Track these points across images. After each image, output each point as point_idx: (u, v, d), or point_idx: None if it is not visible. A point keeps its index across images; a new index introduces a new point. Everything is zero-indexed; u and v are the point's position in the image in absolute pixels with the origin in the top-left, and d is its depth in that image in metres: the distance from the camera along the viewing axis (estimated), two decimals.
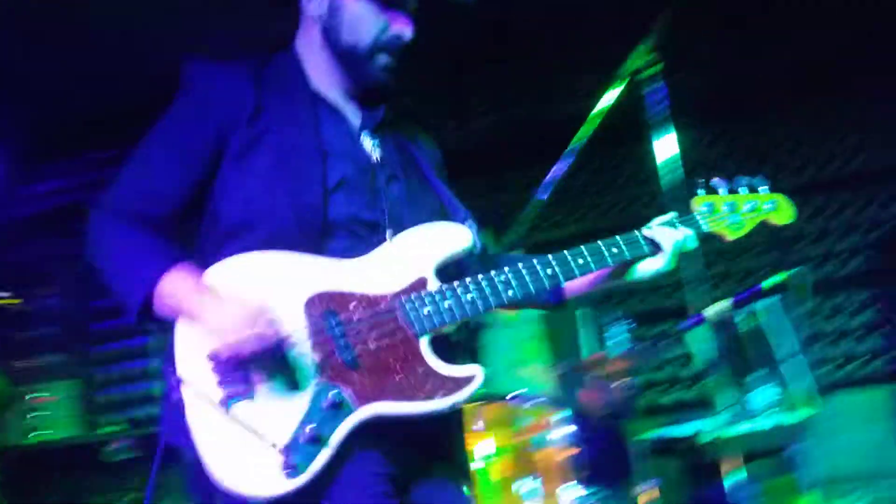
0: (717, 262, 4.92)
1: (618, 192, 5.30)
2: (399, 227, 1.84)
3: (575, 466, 2.92)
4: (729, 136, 5.15)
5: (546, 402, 3.00)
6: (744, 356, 3.50)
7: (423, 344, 1.73)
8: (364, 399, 1.66)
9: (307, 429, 1.62)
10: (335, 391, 1.65)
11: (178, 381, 1.66)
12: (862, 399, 4.77)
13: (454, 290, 1.77)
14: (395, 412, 1.67)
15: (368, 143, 1.93)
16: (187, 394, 1.65)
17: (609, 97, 3.03)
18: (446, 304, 1.76)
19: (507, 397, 2.93)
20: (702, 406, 4.68)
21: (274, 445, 1.61)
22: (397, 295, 1.75)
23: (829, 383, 4.68)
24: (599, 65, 4.74)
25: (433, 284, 1.77)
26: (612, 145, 5.07)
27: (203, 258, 1.78)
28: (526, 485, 2.81)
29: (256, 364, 1.65)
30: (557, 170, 3.09)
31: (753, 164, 5.05)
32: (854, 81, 4.80)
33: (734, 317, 3.18)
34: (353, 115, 1.95)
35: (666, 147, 3.01)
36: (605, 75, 3.12)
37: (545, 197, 3.07)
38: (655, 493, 3.03)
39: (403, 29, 1.90)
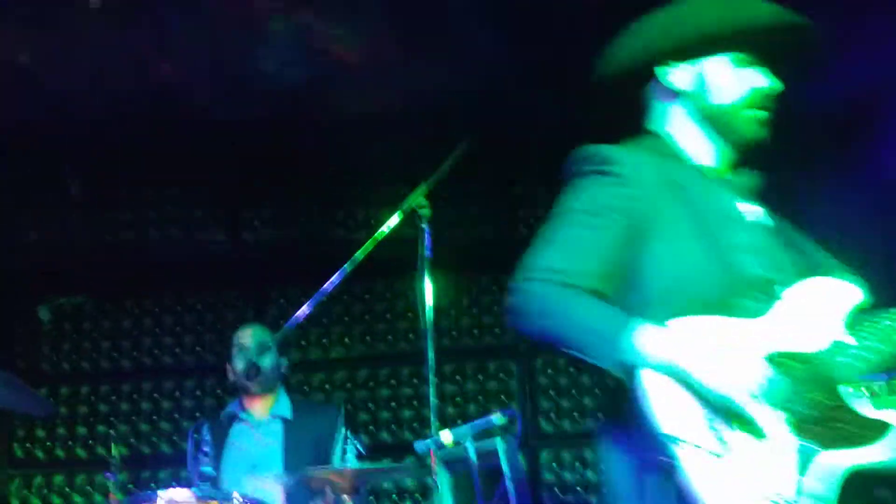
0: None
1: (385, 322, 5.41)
2: (787, 284, 1.90)
3: None
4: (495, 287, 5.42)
5: None
6: (473, 490, 3.58)
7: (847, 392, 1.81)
8: (830, 451, 1.71)
9: (806, 481, 1.67)
10: (811, 444, 1.69)
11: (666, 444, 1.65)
12: None
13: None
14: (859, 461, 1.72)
15: (750, 206, 2.03)
16: (684, 452, 1.65)
17: (387, 225, 3.19)
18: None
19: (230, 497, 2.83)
20: None
21: (778, 496, 1.65)
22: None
23: None
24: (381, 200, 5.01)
25: (850, 338, 1.83)
26: (388, 275, 5.26)
27: None
28: None
29: (736, 415, 1.69)
30: (323, 290, 3.18)
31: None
32: None
33: (468, 448, 3.25)
34: (734, 181, 2.05)
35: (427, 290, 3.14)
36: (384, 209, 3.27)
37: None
38: None
39: (762, 81, 2.01)
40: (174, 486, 2.81)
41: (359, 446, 3.17)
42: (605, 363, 1.74)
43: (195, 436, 3.74)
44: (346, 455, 3.13)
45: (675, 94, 2.06)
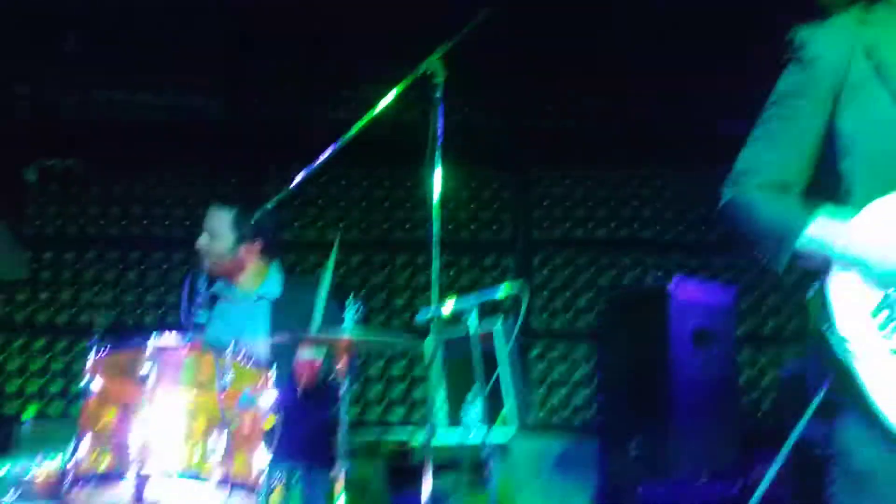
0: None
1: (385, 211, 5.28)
2: None
3: (272, 435, 2.77)
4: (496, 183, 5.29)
5: (260, 364, 2.83)
6: (467, 368, 3.52)
7: None
8: None
9: None
10: None
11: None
12: (561, 444, 4.97)
13: None
14: None
15: None
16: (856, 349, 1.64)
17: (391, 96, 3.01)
18: None
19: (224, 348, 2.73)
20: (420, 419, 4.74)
21: None
22: None
23: (536, 425, 4.84)
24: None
25: None
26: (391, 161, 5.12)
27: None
28: (218, 442, 2.61)
29: None
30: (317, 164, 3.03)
31: (511, 215, 5.24)
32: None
33: (468, 323, 3.17)
34: None
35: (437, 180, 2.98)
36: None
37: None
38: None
39: None
40: (165, 332, 2.68)
41: (360, 310, 3.05)
42: (781, 264, 1.79)
43: (191, 282, 3.62)
44: (346, 317, 3.01)
45: None
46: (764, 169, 1.89)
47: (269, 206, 3.10)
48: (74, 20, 4.81)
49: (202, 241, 3.67)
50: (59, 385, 5.12)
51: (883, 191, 1.75)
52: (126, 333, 5.11)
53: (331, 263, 3.36)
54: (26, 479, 3.12)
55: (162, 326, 4.98)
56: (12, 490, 3.05)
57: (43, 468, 3.13)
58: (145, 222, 5.27)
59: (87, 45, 4.89)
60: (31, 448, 3.78)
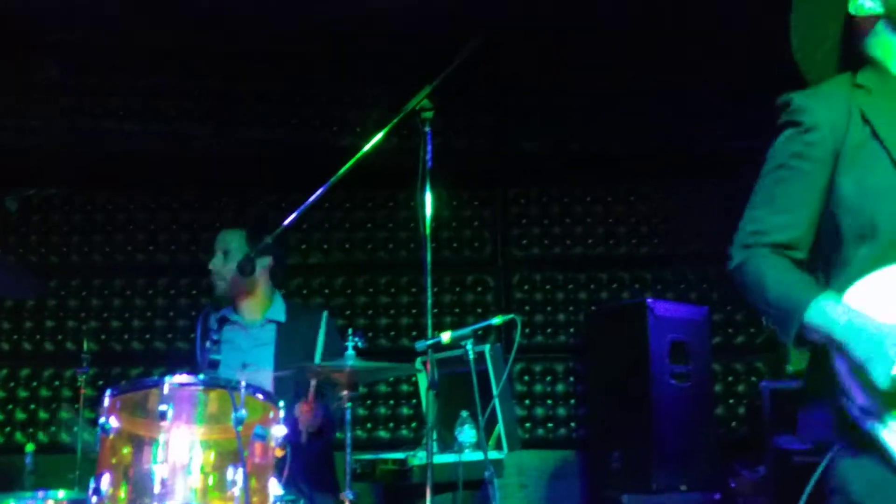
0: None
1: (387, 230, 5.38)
2: None
3: (282, 465, 2.88)
4: (476, 202, 5.41)
5: (269, 398, 2.93)
6: (458, 389, 3.66)
7: None
8: None
9: None
10: None
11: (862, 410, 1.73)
12: (545, 458, 5.12)
13: None
14: None
15: None
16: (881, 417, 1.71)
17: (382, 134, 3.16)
18: None
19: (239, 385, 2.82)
20: (416, 440, 4.83)
21: None
22: None
23: (524, 440, 4.96)
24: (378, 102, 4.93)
25: None
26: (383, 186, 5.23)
27: (827, 271, 1.91)
28: (236, 474, 2.70)
29: None
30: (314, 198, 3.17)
31: (490, 234, 5.37)
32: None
33: (467, 349, 3.31)
34: None
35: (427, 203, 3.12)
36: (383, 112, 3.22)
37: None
38: None
39: None
40: (180, 373, 2.77)
41: (359, 342, 3.18)
42: (790, 337, 1.85)
43: (203, 322, 3.70)
44: (347, 349, 3.13)
45: (874, 18, 2.02)
46: (773, 231, 1.95)
47: (282, 226, 3.24)
48: (54, 48, 4.85)
49: (216, 262, 3.76)
50: (46, 415, 5.13)
51: (885, 253, 1.83)
52: (114, 361, 5.15)
53: (321, 337, 3.50)
54: None
55: (150, 351, 5.12)
56: None
57: None
58: (128, 249, 5.30)
59: (67, 73, 4.92)
60: (31, 483, 3.84)
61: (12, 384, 5.17)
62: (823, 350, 1.84)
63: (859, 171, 1.91)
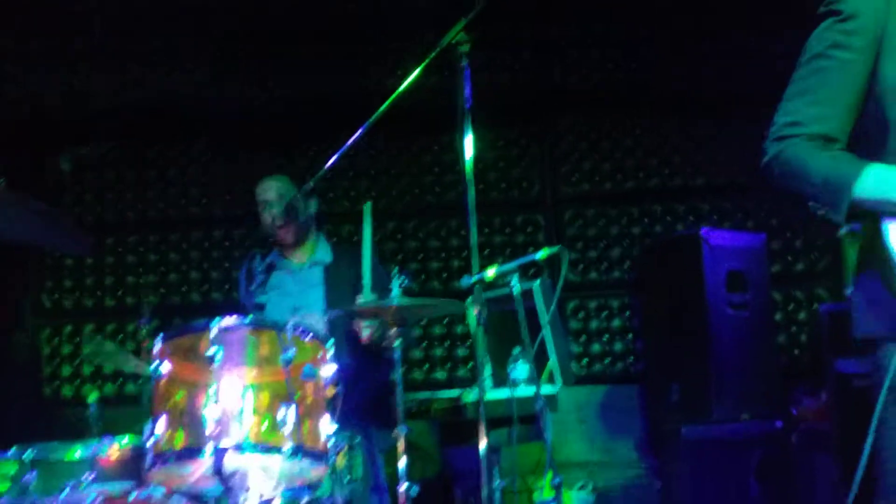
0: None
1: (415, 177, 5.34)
2: None
3: (334, 403, 2.89)
4: (524, 140, 5.33)
5: (318, 338, 2.94)
6: (511, 326, 3.63)
7: None
8: None
9: None
10: None
11: None
12: (603, 393, 5.09)
13: None
14: None
15: None
16: None
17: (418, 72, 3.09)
18: None
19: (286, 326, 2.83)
20: (472, 379, 4.85)
21: None
22: None
23: (578, 376, 4.94)
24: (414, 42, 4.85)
25: None
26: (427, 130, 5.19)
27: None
28: (287, 414, 2.73)
29: None
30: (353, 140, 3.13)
31: (539, 172, 5.29)
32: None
33: (512, 284, 3.27)
34: None
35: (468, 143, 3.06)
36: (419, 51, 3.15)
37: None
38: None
39: None
40: (227, 315, 2.78)
41: (405, 281, 3.16)
42: (842, 213, 1.81)
43: (248, 265, 3.74)
44: (393, 288, 3.12)
45: None
46: (809, 123, 1.91)
47: (321, 172, 3.22)
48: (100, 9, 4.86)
49: (273, 209, 3.77)
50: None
51: None
52: (172, 313, 5.25)
53: (367, 233, 3.47)
54: (100, 460, 3.26)
55: (208, 303, 5.20)
56: (88, 472, 3.17)
57: (113, 449, 3.26)
58: (182, 202, 5.37)
59: (113, 32, 4.94)
60: (98, 430, 3.93)
61: (77, 339, 5.31)
62: (875, 231, 1.80)
63: None
